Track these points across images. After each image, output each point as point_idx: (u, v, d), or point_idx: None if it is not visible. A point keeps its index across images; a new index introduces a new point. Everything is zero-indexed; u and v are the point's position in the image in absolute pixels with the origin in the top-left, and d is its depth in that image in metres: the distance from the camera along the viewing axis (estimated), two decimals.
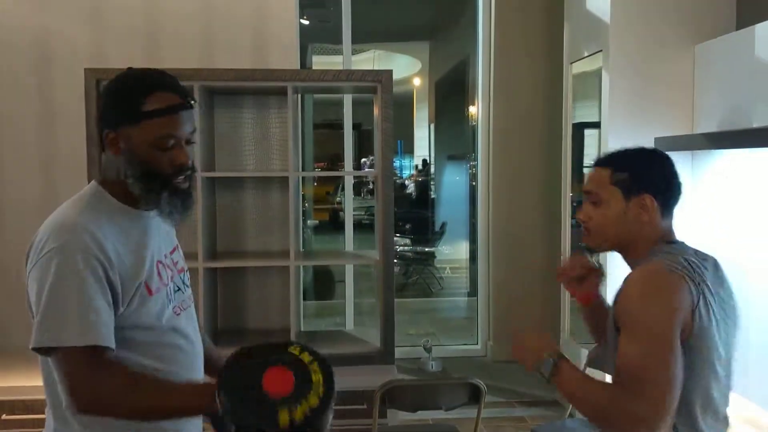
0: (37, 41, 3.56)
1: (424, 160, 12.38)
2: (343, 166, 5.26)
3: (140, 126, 1.42)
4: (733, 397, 1.62)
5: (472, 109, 6.11)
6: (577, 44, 4.02)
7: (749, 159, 3.04)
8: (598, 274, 1.80)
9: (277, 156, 3.50)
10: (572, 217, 4.03)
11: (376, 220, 3.34)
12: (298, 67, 3.94)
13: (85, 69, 3.03)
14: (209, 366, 1.66)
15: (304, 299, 5.05)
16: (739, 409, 1.79)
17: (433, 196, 10.89)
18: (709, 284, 1.50)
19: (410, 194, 12.04)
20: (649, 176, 1.60)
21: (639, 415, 1.40)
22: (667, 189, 1.61)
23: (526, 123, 5.02)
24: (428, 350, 4.86)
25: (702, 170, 3.29)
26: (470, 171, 6.68)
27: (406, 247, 8.35)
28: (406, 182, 12.68)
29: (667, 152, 1.67)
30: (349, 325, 5.08)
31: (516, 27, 4.98)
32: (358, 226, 6.56)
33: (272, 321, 3.53)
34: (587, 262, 1.80)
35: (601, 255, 2.97)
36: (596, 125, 3.74)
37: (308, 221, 7.71)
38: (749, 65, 2.96)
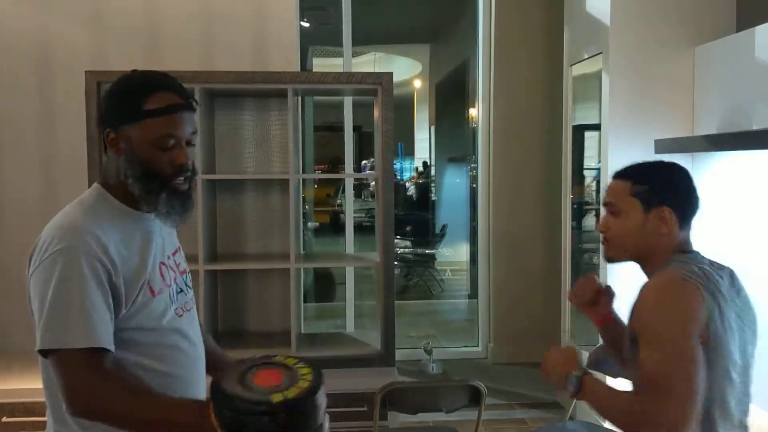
0: (38, 43, 3.57)
1: (425, 163, 12.38)
2: (343, 169, 5.26)
3: (141, 125, 1.42)
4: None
5: (473, 112, 6.12)
6: (577, 46, 4.02)
7: (749, 161, 3.04)
8: (609, 295, 1.82)
9: (277, 158, 3.51)
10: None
11: (377, 223, 3.34)
12: (299, 70, 3.94)
13: (85, 71, 3.04)
14: (212, 366, 1.66)
15: (305, 301, 5.05)
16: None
17: (433, 199, 10.89)
18: (724, 293, 1.52)
19: (411, 196, 12.04)
20: (668, 189, 1.63)
21: (664, 422, 1.42)
22: (686, 201, 1.65)
23: (527, 125, 5.03)
24: (429, 352, 4.86)
25: (702, 172, 3.29)
26: (471, 173, 6.68)
27: (406, 250, 8.34)
28: (407, 184, 12.68)
29: (666, 154, 1.68)
30: (350, 327, 5.08)
31: (516, 29, 4.98)
32: (359, 228, 6.56)
33: (273, 323, 3.53)
34: (596, 285, 1.82)
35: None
36: (596, 127, 3.74)
37: (309, 223, 7.70)
38: (749, 67, 2.96)
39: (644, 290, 1.56)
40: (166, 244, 1.57)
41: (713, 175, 3.24)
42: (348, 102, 4.94)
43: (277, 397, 1.18)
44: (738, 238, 3.02)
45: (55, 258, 1.35)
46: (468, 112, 7.18)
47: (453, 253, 8.87)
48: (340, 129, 5.11)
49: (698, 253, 1.64)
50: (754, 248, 2.92)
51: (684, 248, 1.64)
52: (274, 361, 1.27)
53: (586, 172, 4.24)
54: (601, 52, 3.62)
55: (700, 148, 3.18)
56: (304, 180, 5.14)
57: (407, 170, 13.53)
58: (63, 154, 3.56)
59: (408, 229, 8.93)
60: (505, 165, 5.06)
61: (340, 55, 4.91)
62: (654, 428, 1.43)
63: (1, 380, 2.99)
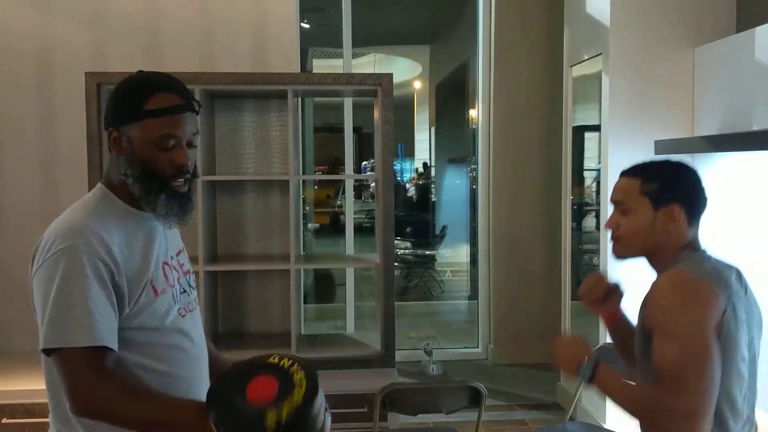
0: (38, 44, 3.57)
1: (425, 164, 12.38)
2: (343, 170, 5.26)
3: (141, 125, 1.43)
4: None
5: (473, 113, 6.12)
6: (577, 47, 4.02)
7: (749, 162, 3.04)
8: (618, 291, 1.83)
9: (277, 159, 3.50)
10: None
11: (377, 224, 3.34)
12: (299, 71, 3.94)
13: (85, 72, 3.04)
14: (213, 373, 1.66)
15: (305, 302, 5.05)
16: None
17: (433, 200, 10.89)
18: (734, 290, 1.54)
19: (411, 197, 12.04)
20: (677, 187, 1.65)
21: (685, 411, 1.43)
22: (695, 199, 1.66)
23: (527, 126, 5.03)
24: (429, 353, 4.86)
25: (702, 173, 3.28)
26: (471, 174, 6.68)
27: (406, 251, 8.34)
28: (407, 185, 12.68)
29: (666, 155, 1.69)
30: (350, 328, 5.08)
31: (516, 30, 4.98)
32: (359, 229, 6.56)
33: (273, 324, 3.53)
34: (605, 283, 1.82)
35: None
36: (596, 128, 3.74)
37: (309, 224, 7.71)
38: (749, 68, 2.96)
39: (658, 286, 1.57)
40: (169, 245, 1.58)
41: (713, 176, 3.24)
42: (348, 103, 4.94)
43: (271, 420, 1.19)
44: (738, 239, 3.02)
45: (57, 257, 1.36)
46: (468, 113, 7.19)
47: (453, 254, 8.87)
48: (340, 130, 5.11)
49: (706, 250, 1.66)
50: (755, 249, 2.92)
51: (693, 245, 1.65)
52: (269, 364, 1.27)
53: (586, 173, 4.24)
54: (600, 53, 3.62)
55: (700, 149, 3.18)
56: (304, 181, 5.14)
57: (407, 171, 13.54)
58: (63, 154, 3.56)
59: (408, 230, 8.93)
60: (505, 166, 5.06)
61: (340, 56, 4.92)
62: (671, 420, 1.44)
63: (1, 381, 2.99)
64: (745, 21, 3.36)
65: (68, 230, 1.39)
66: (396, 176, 7.33)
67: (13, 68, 3.56)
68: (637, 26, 3.49)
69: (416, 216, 10.55)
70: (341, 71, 4.88)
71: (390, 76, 3.17)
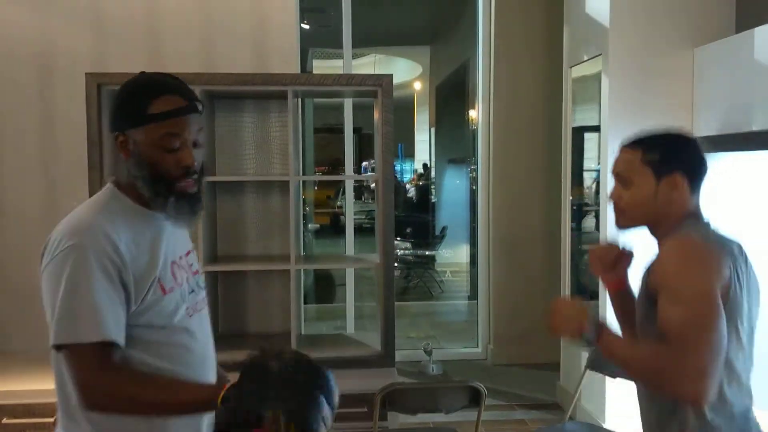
0: (39, 46, 3.58)
1: (425, 164, 12.39)
2: (343, 171, 5.27)
3: (146, 128, 1.45)
4: None
5: (473, 113, 6.12)
6: (577, 48, 4.03)
7: (749, 162, 3.05)
8: (629, 256, 1.81)
9: (277, 160, 3.51)
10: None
11: (377, 224, 3.35)
12: (299, 71, 3.95)
13: (86, 74, 3.04)
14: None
15: (305, 303, 5.06)
16: None
17: (433, 200, 10.90)
18: (737, 257, 1.56)
19: (411, 198, 12.04)
20: (678, 156, 1.65)
21: (697, 367, 1.42)
22: (696, 167, 1.67)
23: (527, 127, 5.03)
24: (429, 353, 4.87)
25: None
26: (471, 175, 6.69)
27: (406, 251, 8.35)
28: (407, 186, 12.69)
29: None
30: (350, 328, 5.08)
31: (516, 31, 4.99)
32: (359, 229, 6.57)
33: (273, 324, 3.53)
34: (617, 248, 1.81)
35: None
36: (596, 129, 3.74)
37: (309, 225, 7.71)
38: (749, 68, 2.97)
39: (667, 249, 1.57)
40: (178, 245, 1.60)
41: (713, 176, 3.24)
42: (348, 104, 4.94)
43: None
44: (738, 239, 3.02)
45: (66, 254, 1.37)
46: (468, 113, 7.19)
47: (453, 255, 8.88)
48: (341, 131, 5.12)
49: (709, 220, 1.67)
50: (754, 248, 2.92)
51: (696, 214, 1.66)
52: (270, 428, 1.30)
53: (585, 174, 4.25)
54: (600, 54, 3.63)
55: (700, 145, 3.19)
56: (304, 182, 5.14)
57: (407, 172, 13.54)
58: (64, 155, 3.56)
59: (408, 230, 8.94)
60: (505, 167, 5.06)
61: (340, 56, 4.92)
62: (678, 381, 1.43)
63: (2, 381, 2.99)
64: (745, 21, 3.37)
65: (76, 228, 1.41)
66: (396, 177, 7.33)
67: (14, 69, 3.57)
68: (636, 27, 3.49)
69: (416, 216, 10.56)
70: (341, 72, 4.89)
71: (390, 76, 3.18)
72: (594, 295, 3.77)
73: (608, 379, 3.18)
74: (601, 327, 1.57)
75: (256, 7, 3.73)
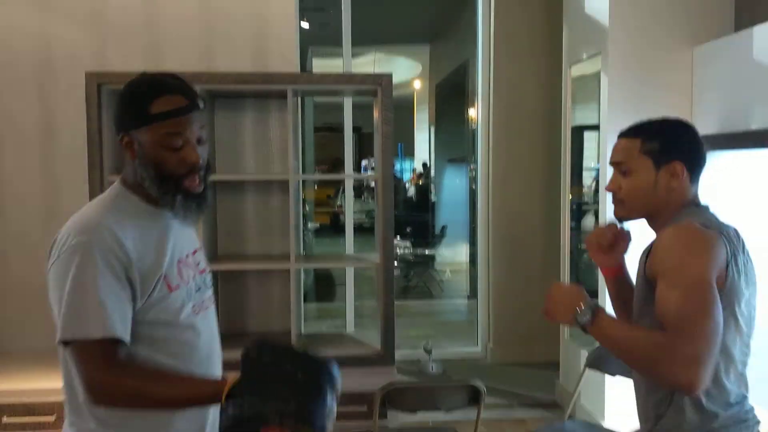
0: (38, 44, 3.57)
1: (425, 163, 12.40)
2: (343, 170, 5.27)
3: (149, 129, 1.47)
4: None
5: (472, 112, 6.13)
6: (576, 47, 4.03)
7: (748, 160, 3.05)
8: (627, 239, 1.80)
9: (277, 159, 3.51)
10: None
11: (377, 224, 3.35)
12: (298, 71, 3.95)
13: (85, 72, 3.05)
14: None
15: (305, 302, 5.06)
16: None
17: (433, 199, 10.91)
18: (735, 244, 1.56)
19: (411, 197, 12.05)
20: (678, 144, 1.65)
21: (691, 355, 1.41)
22: (695, 155, 1.66)
23: (526, 126, 5.04)
24: (428, 352, 4.87)
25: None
26: (470, 174, 6.69)
27: (406, 250, 8.36)
28: (407, 185, 12.70)
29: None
30: (350, 327, 5.09)
31: (515, 30, 4.99)
32: (359, 229, 6.57)
33: (273, 324, 3.54)
34: (615, 228, 1.80)
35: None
36: (595, 128, 3.75)
37: (309, 224, 7.72)
38: (747, 67, 2.97)
39: (665, 235, 1.57)
40: (185, 243, 1.62)
41: (711, 175, 3.25)
42: (348, 103, 4.95)
43: None
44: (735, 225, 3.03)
45: (72, 252, 1.40)
46: (468, 112, 7.20)
47: (453, 254, 8.88)
48: (340, 130, 5.12)
49: (708, 207, 1.67)
50: (754, 247, 2.93)
51: (695, 202, 1.66)
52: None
53: (585, 173, 4.25)
54: (599, 53, 3.63)
55: (698, 132, 3.19)
56: (304, 181, 5.15)
57: (407, 171, 13.55)
58: (63, 154, 3.56)
59: (408, 229, 8.96)
60: (505, 166, 5.07)
61: (339, 55, 4.92)
62: (683, 362, 1.41)
63: (2, 380, 3.00)
64: (744, 20, 3.37)
65: (83, 226, 1.44)
66: (396, 176, 7.33)
67: (13, 68, 3.57)
68: (635, 26, 3.49)
69: (416, 216, 10.58)
70: (341, 71, 4.89)
71: (389, 75, 3.18)
72: (593, 294, 3.77)
73: (608, 377, 3.18)
74: (597, 310, 1.55)
75: (255, 6, 3.73)
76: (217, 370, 1.64)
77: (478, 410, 2.61)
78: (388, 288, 3.21)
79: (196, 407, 1.47)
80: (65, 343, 1.40)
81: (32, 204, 3.56)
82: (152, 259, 1.48)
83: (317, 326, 6.26)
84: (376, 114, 3.32)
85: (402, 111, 11.68)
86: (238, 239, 3.53)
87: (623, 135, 1.69)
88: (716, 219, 1.62)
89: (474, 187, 5.76)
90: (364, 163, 12.00)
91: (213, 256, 3.42)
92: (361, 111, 5.43)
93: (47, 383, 2.89)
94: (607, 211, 1.77)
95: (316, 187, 10.27)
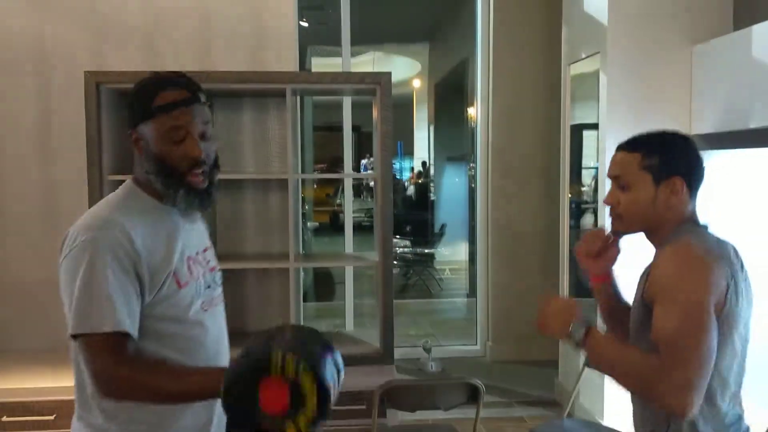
0: (37, 44, 3.57)
1: (424, 162, 12.39)
2: (342, 169, 5.27)
3: (153, 122, 1.50)
4: None
5: (472, 111, 6.13)
6: (575, 46, 4.03)
7: (747, 159, 3.05)
8: (616, 247, 1.79)
9: (276, 158, 3.51)
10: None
11: (376, 222, 3.35)
12: (297, 70, 3.95)
13: (84, 72, 3.04)
14: None
15: (304, 301, 5.05)
16: None
17: (432, 198, 10.90)
18: (735, 265, 1.55)
19: (410, 196, 12.05)
20: (678, 160, 1.63)
21: (683, 380, 1.42)
22: (695, 171, 1.65)
23: (525, 124, 5.04)
24: (428, 351, 4.87)
25: None
26: (469, 172, 6.69)
27: (405, 249, 8.36)
28: (406, 184, 12.69)
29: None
30: (349, 326, 5.09)
31: (515, 28, 5.00)
32: (358, 227, 6.57)
33: (272, 322, 3.49)
34: (604, 235, 1.79)
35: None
36: (595, 126, 3.75)
37: (308, 223, 7.72)
38: (746, 66, 2.97)
39: (664, 258, 1.56)
40: (196, 241, 1.64)
41: (710, 174, 3.25)
42: (347, 102, 4.95)
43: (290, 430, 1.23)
44: (735, 237, 3.03)
45: (82, 249, 1.42)
46: (467, 111, 7.19)
47: (452, 253, 8.89)
48: (339, 129, 5.12)
49: (707, 225, 1.65)
50: (752, 246, 2.93)
51: (693, 218, 1.64)
52: (278, 372, 1.25)
53: (584, 171, 4.25)
54: (598, 52, 3.63)
55: (697, 146, 3.19)
56: (303, 180, 5.15)
57: (406, 170, 13.54)
58: (62, 154, 3.56)
59: (407, 228, 8.96)
60: (504, 164, 5.07)
61: (338, 54, 4.92)
62: (663, 392, 1.42)
63: (2, 380, 3.00)
64: (743, 19, 3.37)
65: (93, 223, 1.47)
66: (395, 175, 7.32)
67: (12, 67, 3.57)
68: (634, 25, 3.49)
69: (415, 214, 10.57)
70: (340, 70, 4.89)
71: (388, 74, 3.18)
72: (591, 293, 3.77)
73: (607, 376, 3.18)
74: (590, 328, 1.56)
75: (254, 5, 3.73)
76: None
77: (477, 409, 2.61)
78: (387, 287, 3.21)
79: (206, 400, 1.46)
80: (75, 336, 1.42)
81: (31, 203, 3.56)
82: (161, 255, 1.50)
83: (317, 325, 6.23)
84: (375, 113, 3.32)
85: (401, 110, 11.69)
86: (237, 238, 3.53)
87: (622, 148, 1.67)
88: (715, 239, 1.60)
89: (473, 185, 5.76)
90: (363, 162, 12.00)
91: None
92: (361, 110, 5.42)
93: (46, 382, 2.89)
94: (607, 213, 1.75)
95: (315, 186, 10.26)
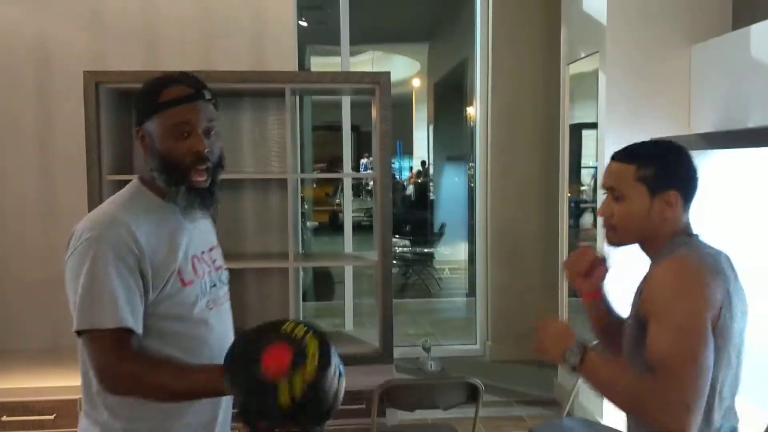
0: (37, 43, 3.57)
1: (423, 162, 12.40)
2: (342, 168, 5.27)
3: (157, 118, 1.51)
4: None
5: (471, 110, 6.13)
6: (574, 45, 4.04)
7: (745, 159, 3.06)
8: (604, 266, 1.78)
9: (275, 158, 3.51)
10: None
11: (375, 222, 3.36)
12: (296, 69, 3.95)
13: (84, 71, 3.04)
14: None
15: (304, 300, 5.06)
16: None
17: (432, 197, 10.91)
18: (730, 278, 1.53)
19: (409, 195, 12.05)
20: (674, 172, 1.60)
21: (680, 401, 1.41)
22: (690, 184, 1.62)
23: (524, 124, 5.05)
24: (427, 350, 4.88)
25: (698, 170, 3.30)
26: (469, 172, 6.69)
27: (405, 248, 8.36)
28: (405, 183, 12.69)
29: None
30: (349, 325, 5.10)
31: (514, 28, 5.00)
32: (358, 227, 6.58)
33: None
34: (592, 254, 1.78)
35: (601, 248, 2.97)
36: (593, 126, 3.75)
37: (308, 223, 7.72)
38: (745, 66, 2.97)
39: (658, 273, 1.54)
40: (201, 240, 1.65)
41: (709, 173, 3.25)
42: (346, 101, 4.95)
43: (284, 395, 1.22)
44: (734, 236, 3.03)
45: (86, 246, 1.44)
46: (466, 110, 7.20)
47: (451, 252, 8.89)
48: (339, 128, 5.12)
49: (700, 236, 1.63)
50: (751, 245, 2.94)
51: (687, 230, 1.62)
52: (282, 333, 1.29)
53: (583, 171, 4.26)
54: (597, 51, 3.63)
55: (696, 146, 3.20)
56: (302, 179, 5.15)
57: (406, 169, 13.54)
58: (62, 153, 3.56)
59: (406, 228, 8.96)
60: (503, 163, 5.07)
61: (338, 54, 4.92)
62: (660, 413, 1.41)
63: (1, 380, 3.00)
64: (741, 19, 3.38)
65: (98, 221, 1.49)
66: (394, 174, 7.32)
67: (11, 67, 3.56)
68: (633, 24, 3.50)
69: (415, 214, 10.58)
70: (339, 69, 4.89)
71: (388, 74, 3.18)
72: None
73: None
74: (586, 351, 1.55)
75: (253, 5, 3.73)
76: None
77: (477, 408, 2.61)
78: (386, 286, 3.22)
79: (209, 397, 1.48)
80: (79, 333, 1.44)
81: (30, 203, 3.56)
82: (165, 253, 1.51)
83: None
84: (374, 112, 3.32)
85: (401, 109, 11.70)
86: (236, 238, 3.53)
87: (617, 158, 1.65)
88: (709, 250, 1.58)
89: (473, 185, 5.76)
90: (363, 162, 12.00)
91: None
92: (360, 109, 5.42)
93: (46, 382, 2.89)
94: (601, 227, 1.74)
95: (314, 186, 10.26)
